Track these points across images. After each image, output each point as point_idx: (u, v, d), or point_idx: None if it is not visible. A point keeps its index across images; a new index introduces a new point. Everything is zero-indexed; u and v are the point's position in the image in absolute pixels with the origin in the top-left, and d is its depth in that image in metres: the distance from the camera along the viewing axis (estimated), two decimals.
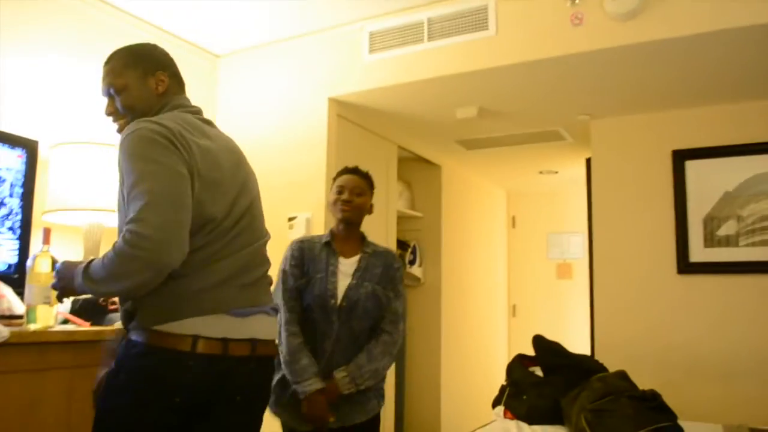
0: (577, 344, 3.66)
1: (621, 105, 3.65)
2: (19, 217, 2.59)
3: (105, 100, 1.76)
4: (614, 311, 3.73)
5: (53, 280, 1.61)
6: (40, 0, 2.90)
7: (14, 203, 2.59)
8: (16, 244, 2.57)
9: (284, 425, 2.29)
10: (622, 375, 2.79)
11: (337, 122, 3.57)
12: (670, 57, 2.91)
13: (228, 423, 1.61)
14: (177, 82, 1.79)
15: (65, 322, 2.33)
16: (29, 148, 2.65)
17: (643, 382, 2.77)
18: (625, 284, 3.71)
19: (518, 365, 3.23)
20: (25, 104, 2.83)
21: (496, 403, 3.14)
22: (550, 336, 3.24)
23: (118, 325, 1.88)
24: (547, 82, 3.27)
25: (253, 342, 1.61)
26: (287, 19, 3.44)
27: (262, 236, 1.76)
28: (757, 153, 3.43)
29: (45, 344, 2.08)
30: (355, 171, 2.38)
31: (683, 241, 3.56)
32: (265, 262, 1.75)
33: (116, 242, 1.43)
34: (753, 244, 3.41)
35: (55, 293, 1.65)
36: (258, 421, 1.72)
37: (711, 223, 3.52)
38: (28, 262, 2.09)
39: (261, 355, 1.64)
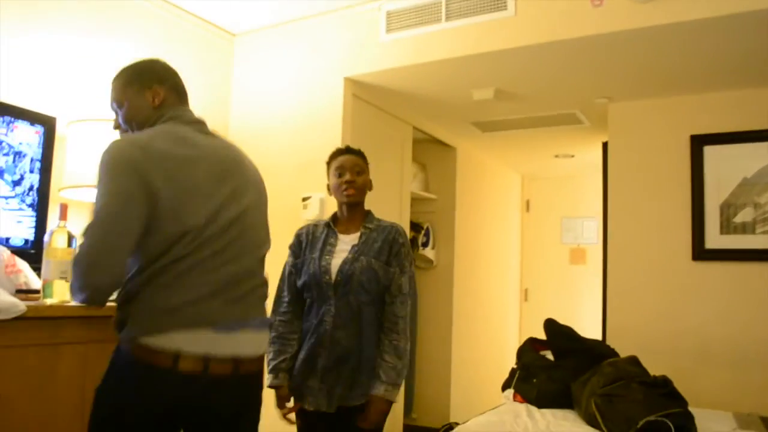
0: (589, 329, 3.65)
1: (640, 88, 3.60)
2: (36, 192, 2.62)
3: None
4: (627, 297, 3.71)
5: None
6: None
7: (34, 179, 2.62)
8: (33, 220, 2.60)
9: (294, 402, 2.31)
10: (634, 360, 2.79)
11: (352, 102, 3.56)
12: (691, 40, 2.86)
13: None
14: (176, 93, 1.80)
15: None
16: (47, 124, 2.67)
17: (654, 368, 2.76)
18: (639, 270, 3.69)
19: (529, 349, 3.24)
20: (44, 81, 2.84)
21: (505, 386, 3.16)
22: (562, 321, 3.24)
23: None
24: (565, 64, 3.23)
25: (235, 361, 1.59)
26: None
27: (257, 248, 1.74)
28: None
29: (61, 319, 2.11)
30: (349, 150, 2.36)
31: (699, 228, 3.53)
32: (257, 275, 1.73)
33: None
34: None
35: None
36: None
37: (728, 209, 3.49)
38: (45, 238, 2.12)
39: (244, 374, 1.63)
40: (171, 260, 1.53)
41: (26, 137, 2.59)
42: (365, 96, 3.68)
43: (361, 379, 2.18)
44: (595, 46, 2.98)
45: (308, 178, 3.46)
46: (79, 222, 2.80)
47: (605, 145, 3.98)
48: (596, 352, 3.02)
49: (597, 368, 2.76)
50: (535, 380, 2.99)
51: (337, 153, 2.36)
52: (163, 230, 1.53)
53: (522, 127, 4.47)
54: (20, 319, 1.96)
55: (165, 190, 1.52)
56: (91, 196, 2.79)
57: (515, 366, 3.19)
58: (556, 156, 5.44)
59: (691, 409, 2.47)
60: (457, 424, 2.66)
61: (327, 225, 2.34)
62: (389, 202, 3.96)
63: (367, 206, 2.39)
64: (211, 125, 1.81)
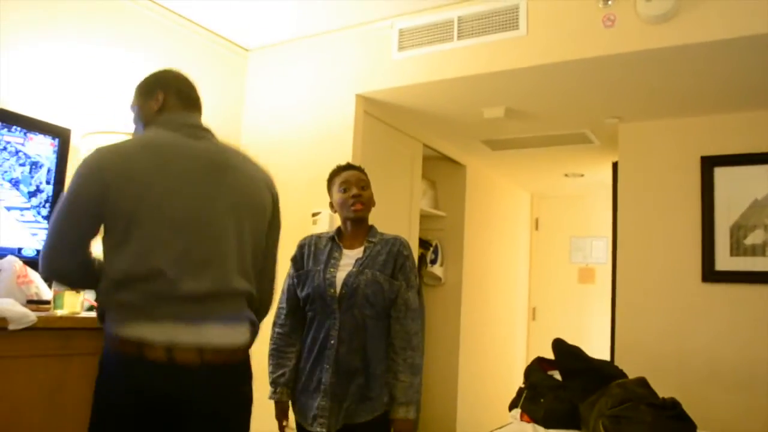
0: (597, 350, 3.63)
1: (650, 109, 3.61)
2: (50, 204, 2.64)
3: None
4: (636, 317, 3.69)
5: None
6: None
7: (50, 190, 2.64)
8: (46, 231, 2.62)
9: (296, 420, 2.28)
10: (642, 382, 2.77)
11: (363, 119, 3.58)
12: (702, 61, 2.87)
13: None
14: (179, 99, 1.84)
15: (91, 308, 2.37)
16: (62, 136, 2.70)
17: (663, 389, 2.74)
18: (649, 290, 3.67)
19: (537, 368, 3.22)
20: (59, 92, 2.88)
21: (513, 406, 3.13)
22: (570, 340, 3.22)
23: None
24: (576, 84, 3.25)
25: (200, 350, 1.60)
26: (317, 14, 3.46)
27: (233, 253, 1.71)
28: None
29: (71, 330, 2.13)
30: (351, 167, 2.36)
31: (709, 249, 3.51)
32: (226, 285, 1.69)
33: None
34: None
35: None
36: None
37: (738, 231, 3.47)
38: None
39: (213, 363, 1.62)
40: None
41: (42, 149, 2.62)
42: (376, 113, 3.70)
43: (369, 396, 2.14)
44: (606, 67, 2.99)
45: (318, 194, 3.43)
46: None
47: (615, 165, 3.97)
48: (604, 372, 2.99)
49: (605, 389, 2.74)
50: (542, 400, 2.96)
51: (340, 169, 2.36)
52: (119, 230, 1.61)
53: (532, 146, 4.48)
54: (31, 329, 1.98)
55: (116, 192, 1.59)
56: None
57: (523, 385, 3.17)
58: (566, 175, 5.44)
59: None
60: None
61: (331, 239, 2.32)
62: (398, 219, 3.96)
63: (376, 223, 2.38)
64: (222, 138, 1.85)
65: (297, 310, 2.29)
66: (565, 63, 2.97)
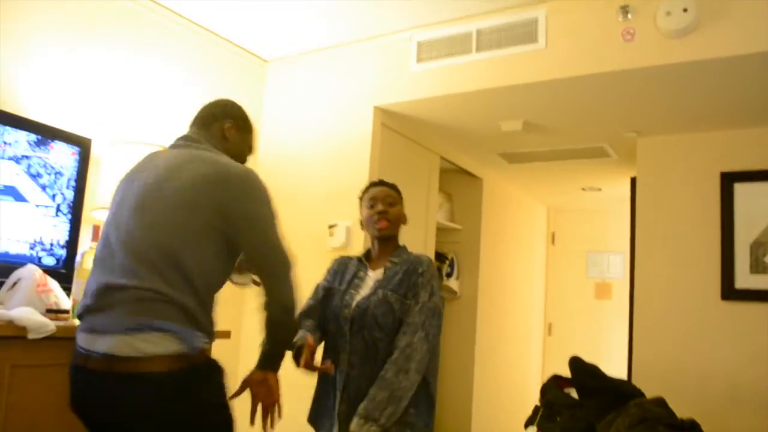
0: (614, 367, 3.58)
1: (669, 123, 3.58)
2: (70, 213, 2.67)
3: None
4: (654, 335, 3.64)
5: None
6: (96, 2, 2.98)
7: (69, 198, 2.66)
8: (65, 240, 2.64)
9: None
10: (660, 402, 2.73)
11: (381, 131, 3.58)
12: (722, 76, 2.84)
13: None
14: (193, 120, 1.97)
15: None
16: (83, 146, 2.72)
17: (681, 409, 2.70)
18: (667, 307, 3.63)
19: (553, 386, 3.18)
20: (80, 102, 2.91)
21: (528, 423, 3.10)
22: (586, 357, 3.19)
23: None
24: (595, 98, 3.23)
25: (107, 357, 1.56)
26: (336, 26, 3.47)
27: (150, 251, 1.66)
28: None
29: None
30: (381, 183, 2.29)
31: (729, 267, 3.46)
32: (134, 282, 1.63)
33: None
34: None
35: None
36: None
37: (758, 248, 3.42)
38: (77, 258, 2.16)
39: (121, 373, 1.55)
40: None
41: (63, 158, 2.64)
42: (394, 125, 3.70)
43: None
44: (625, 81, 2.97)
45: (336, 206, 3.47)
46: None
47: (633, 180, 3.94)
48: (622, 391, 2.95)
49: (622, 408, 2.70)
50: (558, 418, 2.93)
51: (370, 186, 2.30)
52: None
53: (549, 160, 4.46)
54: (50, 338, 1.99)
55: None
56: None
57: (539, 403, 3.13)
58: (583, 189, 5.41)
59: None
60: None
61: (359, 260, 2.27)
62: (415, 232, 3.96)
63: None
64: None
65: (319, 306, 2.22)
66: (584, 77, 2.96)
